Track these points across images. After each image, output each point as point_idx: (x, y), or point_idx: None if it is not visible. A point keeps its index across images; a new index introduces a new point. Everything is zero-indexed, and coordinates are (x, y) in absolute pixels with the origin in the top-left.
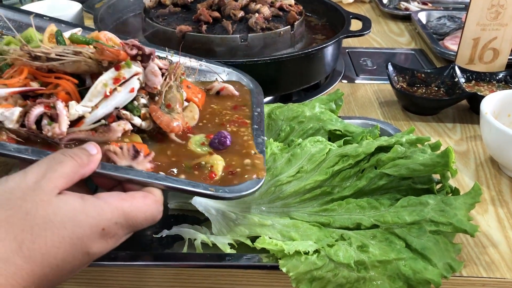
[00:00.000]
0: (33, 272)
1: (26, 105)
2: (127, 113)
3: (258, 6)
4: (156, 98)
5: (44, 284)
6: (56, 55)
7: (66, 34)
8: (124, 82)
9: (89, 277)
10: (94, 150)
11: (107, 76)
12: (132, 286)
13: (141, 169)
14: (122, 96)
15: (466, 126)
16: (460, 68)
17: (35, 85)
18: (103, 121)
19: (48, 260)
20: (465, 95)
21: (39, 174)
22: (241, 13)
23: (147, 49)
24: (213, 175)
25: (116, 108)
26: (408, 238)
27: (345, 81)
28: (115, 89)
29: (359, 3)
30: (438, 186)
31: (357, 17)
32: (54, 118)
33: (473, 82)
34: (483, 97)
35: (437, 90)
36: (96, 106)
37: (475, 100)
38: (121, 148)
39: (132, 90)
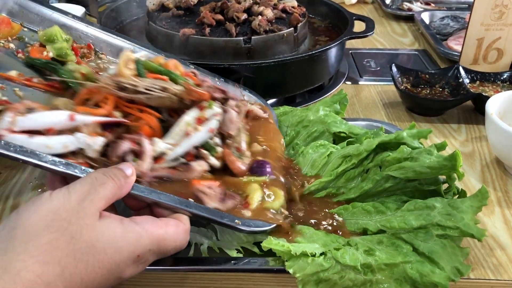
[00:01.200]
0: None
1: (105, 135)
2: (207, 152)
3: (261, 8)
4: (228, 140)
5: None
6: (145, 89)
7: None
8: (204, 122)
9: None
10: (129, 171)
11: (191, 115)
12: None
13: (223, 209)
14: (201, 136)
15: (471, 126)
16: (464, 68)
17: (117, 115)
18: (182, 160)
19: (86, 284)
20: (470, 95)
21: (82, 194)
22: (244, 16)
23: (230, 94)
24: (248, 205)
25: (195, 147)
26: (415, 242)
27: (349, 83)
28: (195, 128)
29: (361, 4)
30: (445, 186)
31: (360, 18)
32: (137, 154)
33: (478, 82)
34: (488, 97)
35: (442, 91)
36: (177, 143)
37: (480, 101)
38: (209, 187)
39: (211, 131)
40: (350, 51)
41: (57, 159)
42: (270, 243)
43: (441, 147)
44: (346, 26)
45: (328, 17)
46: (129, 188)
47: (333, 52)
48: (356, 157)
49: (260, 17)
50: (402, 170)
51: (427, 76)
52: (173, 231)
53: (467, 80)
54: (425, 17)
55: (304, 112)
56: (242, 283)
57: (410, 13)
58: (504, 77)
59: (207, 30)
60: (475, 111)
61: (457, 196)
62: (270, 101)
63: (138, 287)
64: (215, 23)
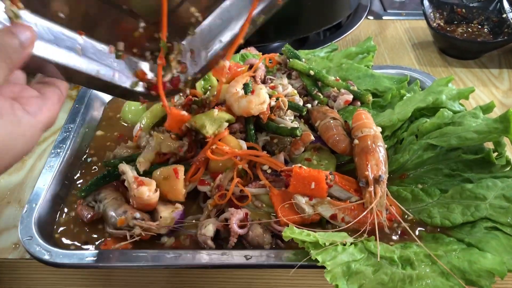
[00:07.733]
0: None
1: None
2: None
3: None
4: None
5: None
6: None
7: None
8: None
9: (90, 276)
10: (26, 36)
11: None
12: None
13: None
14: None
15: None
16: (508, 1)
17: None
18: None
19: None
20: None
21: None
22: None
23: None
24: None
25: None
26: (458, 236)
27: (371, 17)
28: None
29: None
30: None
31: None
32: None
33: None
34: None
35: (480, 28)
36: None
37: None
38: None
39: None
40: None
41: None
42: (293, 232)
43: (487, 108)
44: None
45: None
46: (23, 60)
47: None
48: (389, 128)
49: None
50: (444, 137)
51: (463, 10)
52: (55, 108)
53: (511, 15)
54: None
55: (324, 62)
56: (255, 273)
57: None
58: None
59: None
60: None
61: (509, 168)
62: (277, 44)
63: (133, 277)
64: None
